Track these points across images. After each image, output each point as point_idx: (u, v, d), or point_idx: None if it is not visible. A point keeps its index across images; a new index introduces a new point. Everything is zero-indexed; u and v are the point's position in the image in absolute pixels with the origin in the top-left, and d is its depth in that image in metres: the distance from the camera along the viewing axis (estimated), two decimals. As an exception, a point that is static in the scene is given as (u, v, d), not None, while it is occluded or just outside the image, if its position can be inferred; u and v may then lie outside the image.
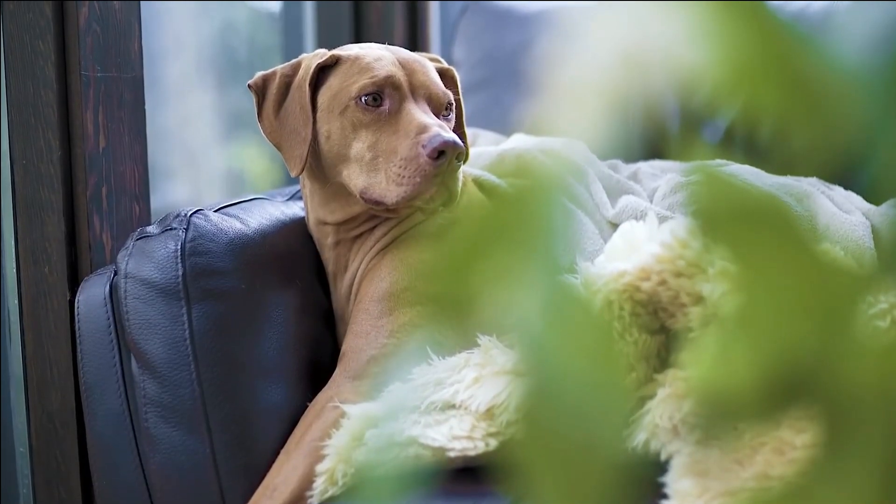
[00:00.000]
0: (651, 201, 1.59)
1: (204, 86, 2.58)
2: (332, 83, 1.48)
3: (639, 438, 1.14)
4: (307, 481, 1.30)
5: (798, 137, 0.46)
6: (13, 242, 1.58)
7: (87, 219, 1.56)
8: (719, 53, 0.45)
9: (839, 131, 0.46)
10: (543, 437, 0.45)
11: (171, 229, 1.44)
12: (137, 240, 1.45)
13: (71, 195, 1.56)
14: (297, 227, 1.60)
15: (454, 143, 1.37)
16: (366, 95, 1.43)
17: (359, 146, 1.43)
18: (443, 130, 1.39)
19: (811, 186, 1.62)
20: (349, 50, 1.52)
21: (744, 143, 1.83)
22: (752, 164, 1.54)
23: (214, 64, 2.59)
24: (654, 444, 1.14)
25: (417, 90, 1.47)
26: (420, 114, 1.42)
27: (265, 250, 1.50)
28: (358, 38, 2.46)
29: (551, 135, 1.65)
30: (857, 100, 0.46)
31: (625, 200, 1.56)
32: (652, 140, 1.91)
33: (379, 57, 1.48)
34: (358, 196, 1.45)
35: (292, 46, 2.63)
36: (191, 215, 1.46)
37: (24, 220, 1.57)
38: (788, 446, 1.07)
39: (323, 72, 1.50)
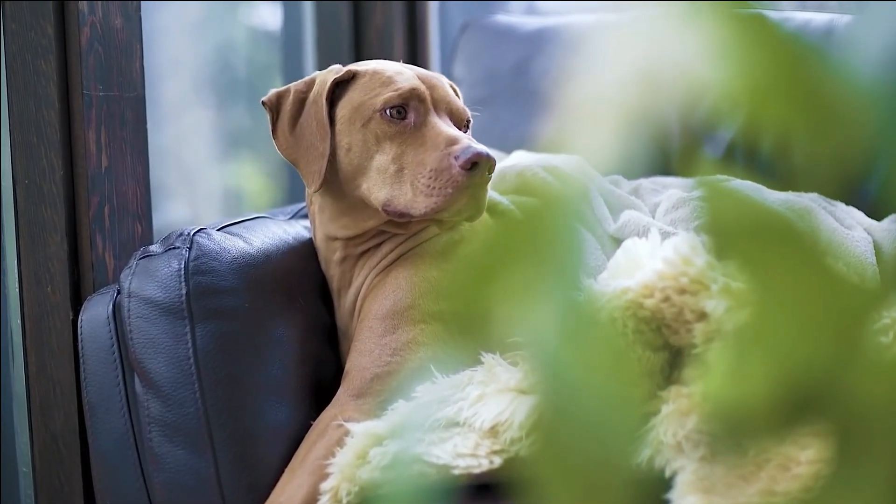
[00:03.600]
0: (653, 217, 1.59)
1: (202, 104, 2.58)
2: (353, 97, 1.48)
3: (643, 455, 1.14)
4: (311, 500, 1.30)
5: (805, 151, 0.46)
6: (16, 262, 1.59)
7: (90, 238, 1.56)
8: (728, 68, 0.45)
9: (846, 145, 0.46)
10: (558, 453, 0.45)
11: (174, 248, 1.44)
12: (141, 259, 1.45)
13: (73, 215, 1.57)
14: (300, 246, 1.59)
15: (487, 155, 1.38)
16: (391, 108, 1.44)
17: (382, 158, 1.44)
18: (473, 142, 1.40)
19: (812, 202, 1.62)
20: (366, 65, 1.53)
21: (746, 157, 1.83)
22: (754, 179, 1.54)
23: (213, 83, 2.59)
24: (659, 460, 1.14)
25: (439, 104, 1.48)
26: (447, 126, 1.44)
27: (268, 269, 1.50)
28: (358, 57, 2.47)
29: (560, 151, 1.66)
30: (864, 113, 0.46)
31: (627, 215, 1.56)
32: (656, 155, 1.91)
33: (399, 71, 1.50)
34: (380, 208, 1.45)
35: (292, 65, 2.63)
36: (194, 234, 1.46)
37: (26, 239, 1.57)
38: (793, 462, 1.07)
39: (339, 87, 1.50)
